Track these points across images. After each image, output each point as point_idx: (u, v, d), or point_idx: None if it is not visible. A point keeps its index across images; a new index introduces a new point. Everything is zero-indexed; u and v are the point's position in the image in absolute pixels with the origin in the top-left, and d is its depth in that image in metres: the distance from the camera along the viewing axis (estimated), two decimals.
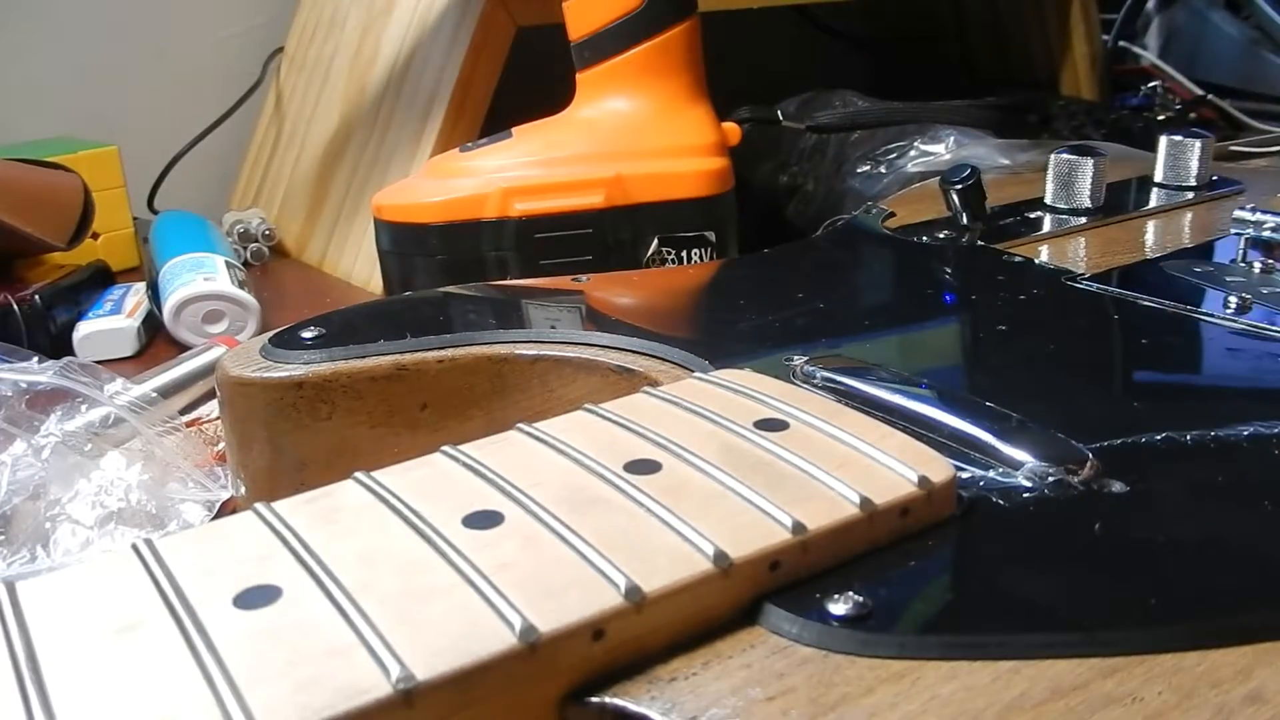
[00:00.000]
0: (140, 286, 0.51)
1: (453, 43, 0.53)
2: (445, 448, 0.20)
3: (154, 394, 0.36)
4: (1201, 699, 0.14)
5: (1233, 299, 0.31)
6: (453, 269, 0.42)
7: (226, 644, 0.15)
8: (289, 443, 0.27)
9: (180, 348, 0.46)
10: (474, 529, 0.17)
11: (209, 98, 0.68)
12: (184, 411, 0.38)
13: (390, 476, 0.19)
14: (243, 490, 0.29)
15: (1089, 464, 0.20)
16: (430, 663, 0.14)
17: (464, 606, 0.15)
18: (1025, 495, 0.19)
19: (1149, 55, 0.86)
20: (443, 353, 0.28)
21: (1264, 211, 0.36)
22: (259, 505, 0.18)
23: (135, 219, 0.60)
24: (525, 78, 0.53)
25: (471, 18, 0.52)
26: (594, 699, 0.15)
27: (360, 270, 0.56)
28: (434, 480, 0.19)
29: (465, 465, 0.19)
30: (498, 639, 0.15)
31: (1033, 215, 0.41)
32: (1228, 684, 0.15)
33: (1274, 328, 0.29)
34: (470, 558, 0.16)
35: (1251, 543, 0.18)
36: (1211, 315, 0.30)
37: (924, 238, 0.38)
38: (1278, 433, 0.22)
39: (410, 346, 0.28)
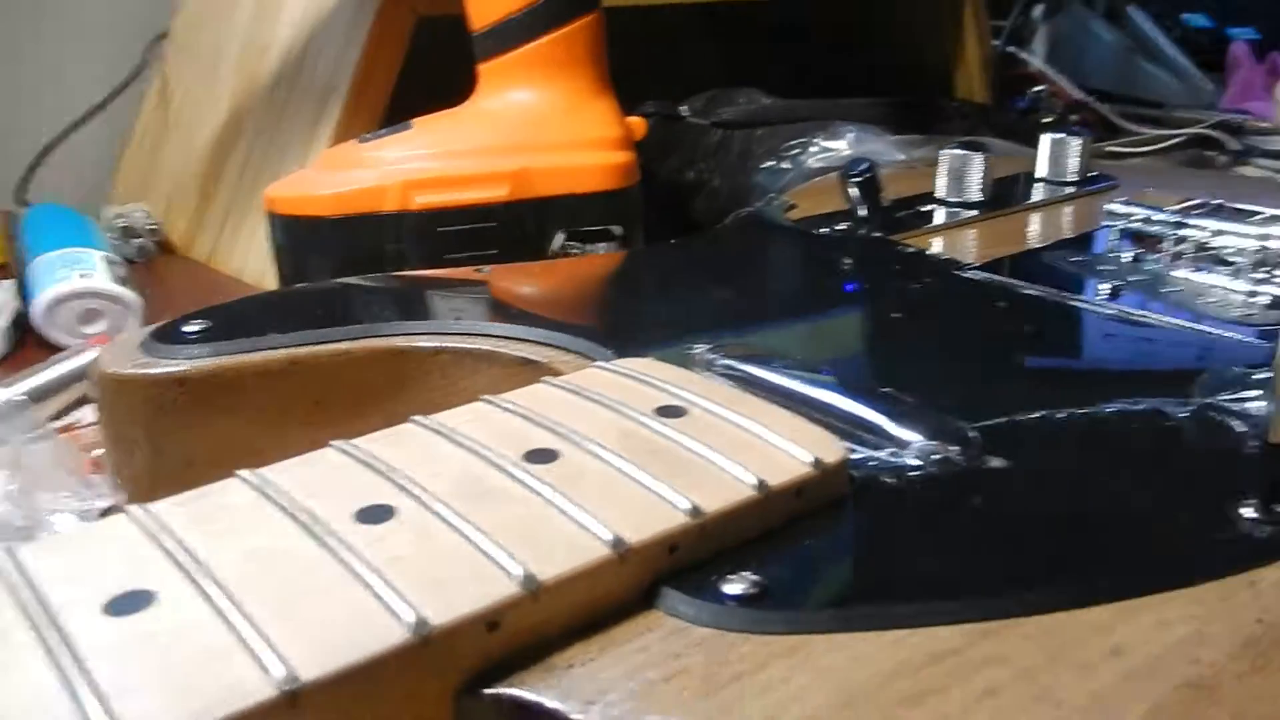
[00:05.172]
0: (9, 284, 0.48)
1: (351, 31, 0.51)
2: (336, 442, 0.19)
3: (23, 399, 0.34)
4: (1069, 655, 0.15)
5: (1105, 286, 0.33)
6: (350, 264, 0.41)
7: (94, 654, 0.14)
8: (171, 443, 0.26)
9: (53, 349, 0.43)
10: (366, 523, 0.17)
11: (86, 84, 0.64)
12: (56, 418, 0.36)
13: (277, 473, 0.18)
14: (124, 497, 0.28)
15: (971, 442, 0.21)
16: (318, 661, 0.14)
17: (354, 602, 0.15)
18: (912, 473, 0.20)
19: (1035, 60, 0.90)
20: (338, 346, 0.27)
21: (1135, 205, 0.38)
22: (132, 507, 0.17)
23: (4, 212, 0.57)
24: (426, 69, 0.52)
25: (370, 5, 0.50)
26: (489, 690, 0.15)
27: (252, 267, 0.54)
28: (324, 475, 0.18)
29: (358, 459, 0.19)
30: (388, 633, 0.14)
31: (926, 208, 0.43)
32: (1092, 640, 0.15)
33: (1141, 312, 0.31)
34: (361, 552, 0.16)
35: (1113, 510, 0.19)
36: (1086, 301, 0.32)
37: (823, 229, 0.39)
38: (1140, 409, 0.23)
39: (303, 340, 0.27)
